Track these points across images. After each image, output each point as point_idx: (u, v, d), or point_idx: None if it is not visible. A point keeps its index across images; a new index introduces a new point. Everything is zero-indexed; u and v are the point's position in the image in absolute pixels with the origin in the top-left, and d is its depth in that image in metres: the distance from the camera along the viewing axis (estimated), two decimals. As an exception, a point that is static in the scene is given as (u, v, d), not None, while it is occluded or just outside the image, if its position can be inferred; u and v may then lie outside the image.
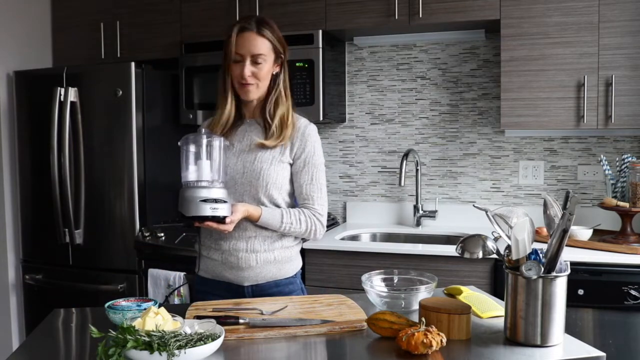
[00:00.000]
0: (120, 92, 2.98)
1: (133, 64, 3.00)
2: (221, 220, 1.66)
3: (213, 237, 1.83)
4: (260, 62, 1.77)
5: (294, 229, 1.80)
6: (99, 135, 3.06)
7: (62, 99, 3.05)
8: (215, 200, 1.64)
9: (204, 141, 1.69)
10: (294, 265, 1.89)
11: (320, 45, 2.92)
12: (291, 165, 1.85)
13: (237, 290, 1.82)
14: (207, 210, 1.63)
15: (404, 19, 2.87)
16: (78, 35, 3.45)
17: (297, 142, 1.83)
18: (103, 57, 3.37)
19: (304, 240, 1.96)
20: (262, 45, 1.77)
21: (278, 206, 1.83)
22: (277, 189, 1.82)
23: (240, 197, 1.80)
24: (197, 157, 1.69)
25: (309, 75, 2.92)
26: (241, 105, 1.88)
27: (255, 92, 1.81)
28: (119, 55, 3.33)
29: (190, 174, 1.69)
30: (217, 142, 1.71)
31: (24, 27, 3.38)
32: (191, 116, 3.17)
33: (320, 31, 2.92)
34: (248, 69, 1.77)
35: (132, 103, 2.99)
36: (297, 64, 2.92)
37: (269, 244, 1.81)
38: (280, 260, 1.83)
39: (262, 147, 1.80)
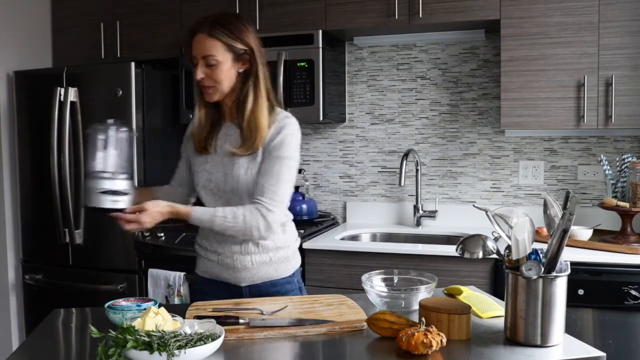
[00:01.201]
0: (120, 92, 2.98)
1: (133, 64, 3.00)
2: (120, 212, 1.64)
3: (209, 239, 1.83)
4: (213, 64, 1.71)
5: (229, 224, 1.68)
6: (99, 135, 3.06)
7: (62, 99, 3.05)
8: (115, 192, 1.62)
9: (111, 131, 1.65)
10: (291, 265, 1.88)
11: (320, 45, 2.92)
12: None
13: (235, 291, 1.82)
14: (107, 202, 1.62)
15: (404, 19, 2.87)
16: (78, 35, 3.45)
17: (269, 135, 1.75)
18: (103, 57, 3.37)
19: (303, 238, 1.90)
20: (212, 46, 1.71)
21: None
22: None
23: (226, 204, 1.76)
24: (104, 146, 1.66)
25: (309, 75, 2.92)
26: (220, 109, 1.83)
27: (216, 94, 1.75)
28: (119, 55, 3.33)
29: (96, 163, 1.66)
30: (124, 134, 1.68)
31: (24, 27, 3.38)
32: (191, 116, 3.16)
33: (320, 31, 2.92)
34: (200, 70, 1.72)
35: (132, 103, 2.99)
36: (297, 64, 2.92)
37: (262, 246, 1.80)
38: (275, 261, 1.83)
39: (235, 155, 1.75)
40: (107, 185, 1.61)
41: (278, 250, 1.83)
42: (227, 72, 1.74)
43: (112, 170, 1.64)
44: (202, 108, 1.82)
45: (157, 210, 1.65)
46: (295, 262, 1.91)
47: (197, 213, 1.69)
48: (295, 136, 1.78)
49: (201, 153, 1.84)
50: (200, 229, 1.88)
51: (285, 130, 1.75)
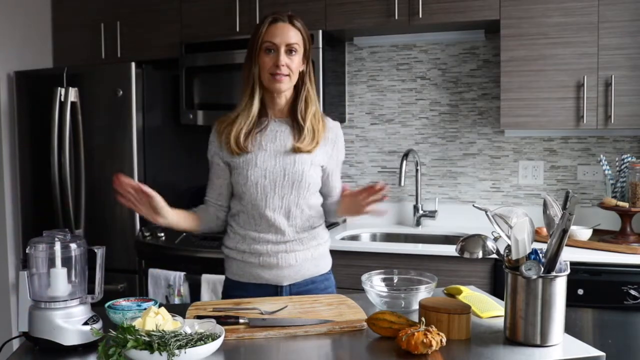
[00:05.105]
0: (121, 92, 2.99)
1: (133, 64, 3.00)
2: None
3: (246, 241, 1.79)
4: (294, 53, 1.75)
5: None
6: (99, 135, 3.06)
7: (62, 99, 3.06)
8: (93, 320, 1.37)
9: (58, 247, 1.35)
10: (327, 261, 1.92)
11: (320, 46, 2.92)
12: (322, 166, 1.83)
13: (274, 291, 1.80)
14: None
15: (404, 19, 2.87)
16: (78, 35, 3.45)
17: (330, 143, 1.84)
18: (103, 57, 3.37)
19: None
20: (296, 36, 1.76)
21: (310, 210, 1.82)
22: (315, 192, 1.83)
23: (280, 201, 1.76)
24: (52, 265, 1.36)
25: (309, 75, 2.92)
26: (267, 104, 1.81)
27: (288, 83, 1.76)
28: (119, 55, 3.33)
29: (54, 289, 1.37)
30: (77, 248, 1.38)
31: (24, 27, 3.38)
32: (191, 116, 3.17)
33: (320, 31, 2.92)
34: (284, 57, 1.73)
35: (133, 103, 2.99)
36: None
37: (305, 242, 1.81)
38: (316, 257, 1.84)
39: (298, 151, 1.77)
40: (81, 313, 1.35)
41: (318, 247, 1.85)
42: (299, 66, 1.78)
43: (66, 294, 1.35)
44: (259, 101, 1.79)
45: None
46: (330, 258, 1.94)
47: None
48: None
49: (240, 154, 1.78)
50: (230, 231, 1.85)
51: (341, 137, 1.89)
